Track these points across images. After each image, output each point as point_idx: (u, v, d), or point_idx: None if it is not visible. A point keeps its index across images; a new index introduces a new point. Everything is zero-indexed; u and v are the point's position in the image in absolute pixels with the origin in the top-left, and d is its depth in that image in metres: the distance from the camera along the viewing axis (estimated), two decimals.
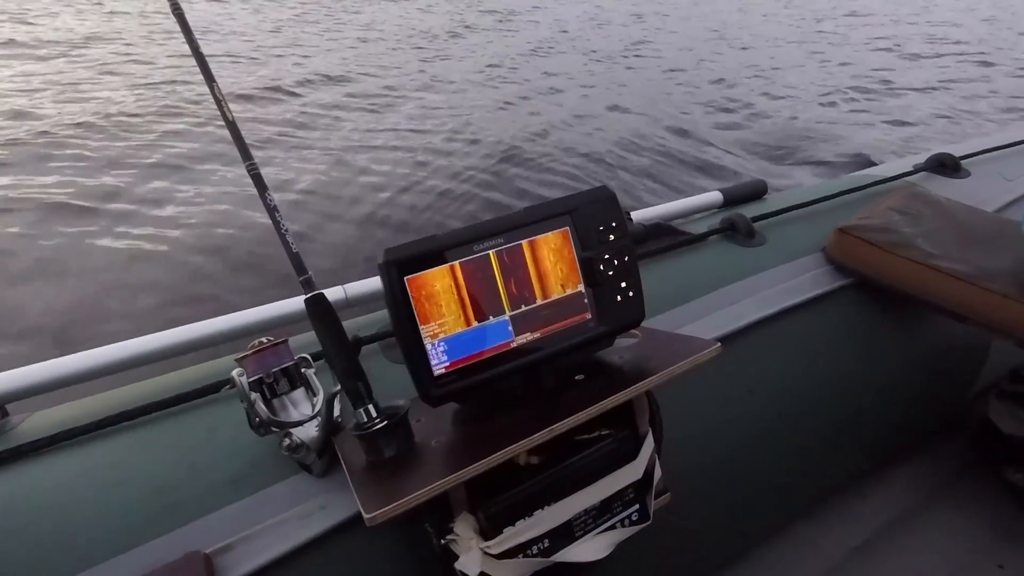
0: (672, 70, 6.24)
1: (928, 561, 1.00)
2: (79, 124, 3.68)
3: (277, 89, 4.76)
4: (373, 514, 0.45)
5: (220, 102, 0.57)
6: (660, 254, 0.98)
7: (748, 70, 6.26)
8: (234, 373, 0.58)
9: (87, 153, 3.30)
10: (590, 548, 0.57)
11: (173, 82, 4.73)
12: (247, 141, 0.58)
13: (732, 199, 1.23)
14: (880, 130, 4.36)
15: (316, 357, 0.66)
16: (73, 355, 0.70)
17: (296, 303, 0.79)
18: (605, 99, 4.96)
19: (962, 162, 1.33)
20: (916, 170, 1.32)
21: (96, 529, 0.56)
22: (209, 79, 0.57)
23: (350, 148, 3.61)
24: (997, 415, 1.11)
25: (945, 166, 1.33)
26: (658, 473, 0.64)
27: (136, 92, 4.46)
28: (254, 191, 0.58)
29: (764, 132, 4.33)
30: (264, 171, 0.59)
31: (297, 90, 4.81)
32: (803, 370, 0.92)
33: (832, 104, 5.01)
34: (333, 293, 0.86)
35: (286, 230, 0.58)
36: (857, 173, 1.41)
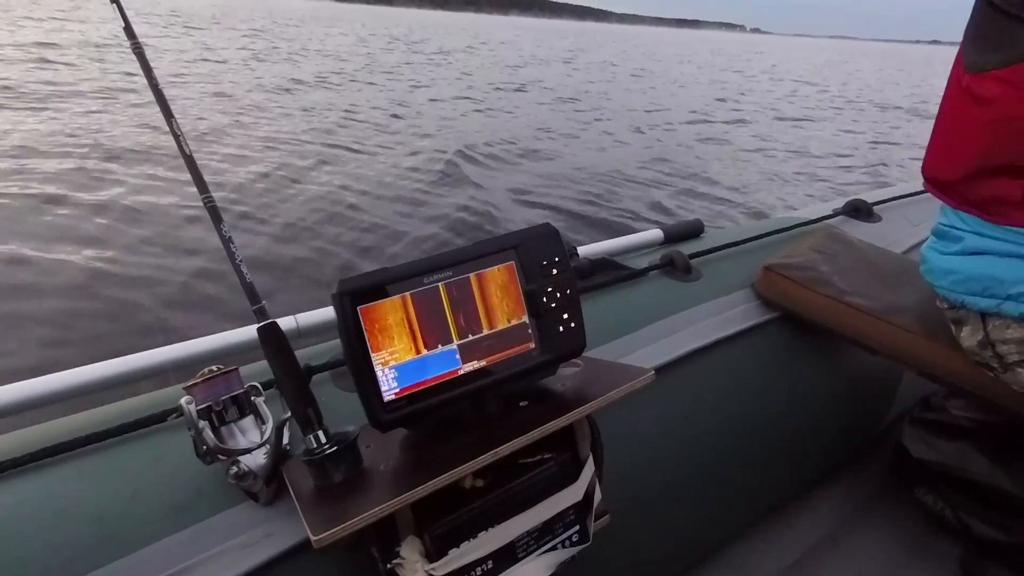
0: None
1: None
2: None
3: None
4: (320, 536, 0.47)
5: (178, 137, 0.58)
6: (604, 288, 1.03)
7: None
8: (182, 401, 0.58)
9: None
10: (532, 569, 0.60)
11: None
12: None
13: (671, 236, 1.31)
14: None
15: (266, 386, 0.67)
16: (10, 385, 0.68)
17: (247, 332, 0.80)
18: None
19: (874, 208, 1.47)
20: (835, 214, 1.44)
21: (27, 566, 0.54)
22: (168, 114, 0.59)
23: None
24: (910, 440, 1.21)
25: (859, 211, 1.45)
26: (598, 496, 0.68)
27: None
28: None
29: None
30: None
31: None
32: (733, 398, 0.98)
33: None
34: (284, 323, 0.87)
35: (240, 260, 0.60)
36: (784, 215, 1.53)
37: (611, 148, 6.86)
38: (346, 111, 7.56)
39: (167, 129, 0.59)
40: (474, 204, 4.45)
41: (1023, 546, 1.04)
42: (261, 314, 0.60)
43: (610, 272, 1.08)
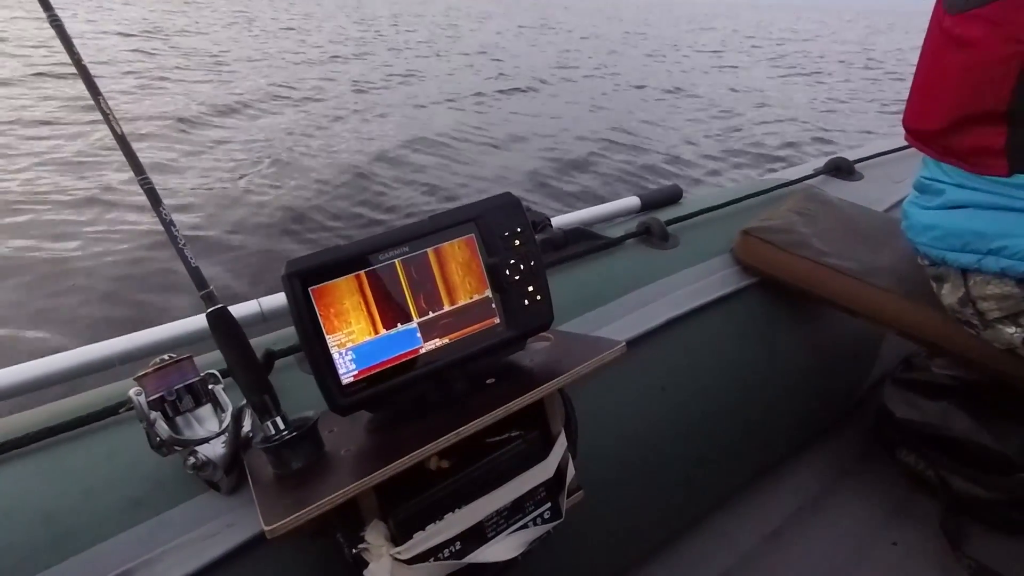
0: None
1: (832, 543, 1.07)
2: None
3: None
4: (274, 526, 0.45)
5: (107, 115, 0.55)
6: (578, 258, 1.01)
7: None
8: (131, 392, 0.56)
9: None
10: (502, 548, 0.59)
11: None
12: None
13: (649, 203, 1.29)
14: None
15: (226, 373, 0.65)
16: None
17: (202, 320, 0.77)
18: None
19: (856, 166, 1.44)
20: (816, 173, 1.42)
21: None
22: (94, 92, 0.55)
23: None
24: (892, 401, 1.21)
25: (841, 170, 1.43)
26: (571, 472, 0.66)
27: None
28: None
29: None
30: None
31: None
32: (712, 366, 0.97)
33: None
34: (247, 307, 0.85)
35: (184, 244, 0.57)
36: (764, 177, 1.51)
37: None
38: None
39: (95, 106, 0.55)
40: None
41: (1002, 502, 1.05)
42: (210, 299, 0.57)
43: (584, 242, 1.06)
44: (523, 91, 7.25)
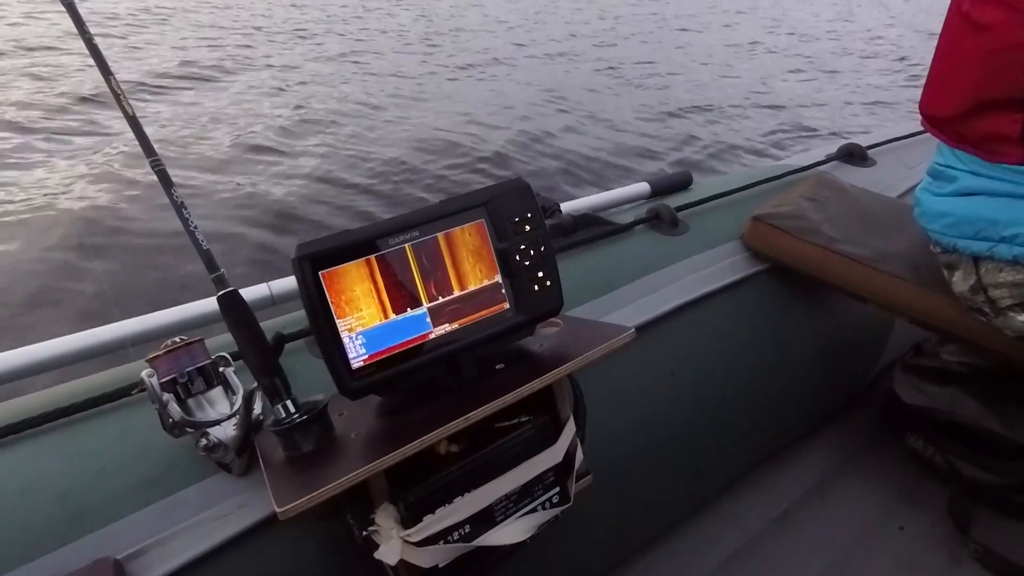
0: None
1: (839, 527, 1.07)
2: None
3: None
4: (285, 508, 0.46)
5: (119, 96, 0.55)
6: (587, 244, 1.01)
7: None
8: (143, 374, 0.56)
9: None
10: (511, 531, 0.59)
11: None
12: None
13: (659, 189, 1.28)
14: None
15: (236, 356, 0.65)
16: None
17: (212, 303, 0.77)
18: None
19: (869, 151, 1.42)
20: (828, 159, 1.40)
21: None
22: (106, 72, 0.55)
23: None
24: (901, 387, 1.20)
25: (854, 155, 1.41)
26: (580, 457, 0.67)
27: None
28: None
29: None
30: None
31: None
32: (721, 352, 0.97)
33: None
34: (257, 291, 0.85)
35: (195, 227, 0.57)
36: (776, 163, 1.49)
37: None
38: None
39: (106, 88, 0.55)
40: None
41: (1010, 487, 1.05)
42: (220, 282, 0.58)
43: (594, 228, 1.05)
44: None
